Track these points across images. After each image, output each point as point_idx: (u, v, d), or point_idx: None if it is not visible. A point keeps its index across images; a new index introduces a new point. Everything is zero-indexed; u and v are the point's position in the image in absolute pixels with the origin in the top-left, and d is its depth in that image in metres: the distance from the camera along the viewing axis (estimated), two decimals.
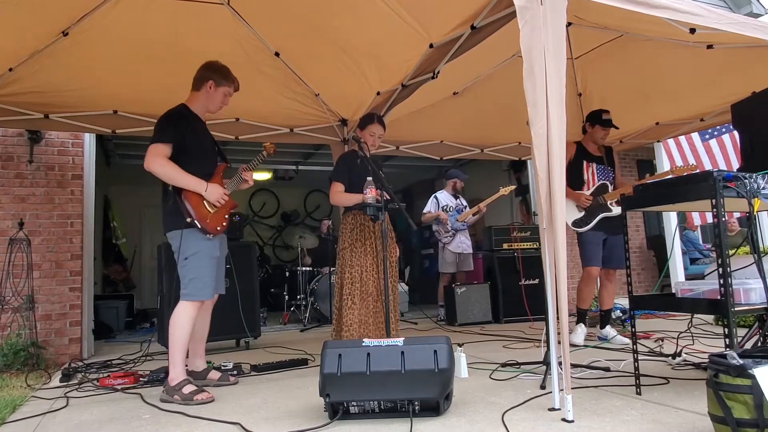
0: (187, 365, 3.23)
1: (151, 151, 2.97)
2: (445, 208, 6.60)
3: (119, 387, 3.31)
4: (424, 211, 6.70)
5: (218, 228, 3.08)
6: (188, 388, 2.87)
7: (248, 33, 3.81)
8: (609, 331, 4.31)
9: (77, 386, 3.41)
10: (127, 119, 4.52)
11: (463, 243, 6.54)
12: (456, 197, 6.74)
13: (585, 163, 4.31)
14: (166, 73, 3.99)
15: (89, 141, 4.98)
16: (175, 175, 2.98)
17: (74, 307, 4.69)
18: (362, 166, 3.60)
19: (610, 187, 4.25)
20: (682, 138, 6.55)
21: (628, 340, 4.01)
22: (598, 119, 4.29)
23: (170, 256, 4.26)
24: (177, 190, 3.02)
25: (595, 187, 4.24)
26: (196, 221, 2.98)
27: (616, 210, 4.11)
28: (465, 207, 6.71)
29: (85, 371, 3.87)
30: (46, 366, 4.18)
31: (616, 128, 4.36)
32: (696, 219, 7.20)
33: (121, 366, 4.09)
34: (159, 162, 2.95)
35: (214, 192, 3.05)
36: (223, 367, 3.47)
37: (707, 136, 6.69)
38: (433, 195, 6.75)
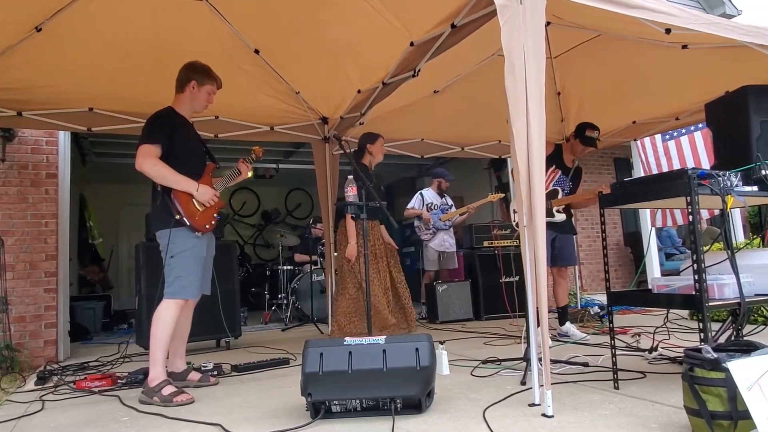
0: (167, 366, 3.19)
1: (141, 152, 2.97)
2: (429, 206, 6.57)
3: (96, 389, 3.26)
4: (408, 206, 6.68)
5: (206, 226, 3.09)
6: (168, 390, 2.83)
7: (227, 30, 3.77)
8: (569, 327, 4.34)
9: (53, 389, 3.35)
10: (103, 117, 4.43)
11: (446, 241, 6.54)
12: (441, 196, 6.71)
13: (553, 166, 4.36)
14: (144, 70, 3.93)
15: (64, 139, 4.88)
16: (167, 175, 2.98)
17: (49, 309, 4.59)
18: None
19: (560, 194, 4.32)
20: (652, 138, 6.63)
21: (584, 334, 4.28)
22: (581, 134, 4.31)
23: (149, 256, 4.23)
24: (166, 189, 3.01)
25: (546, 191, 4.35)
26: (185, 218, 2.98)
27: (559, 217, 4.27)
28: (450, 206, 6.69)
29: (61, 374, 3.80)
30: (21, 369, 4.08)
31: (596, 148, 4.42)
32: (658, 221, 6.95)
33: (99, 368, 4.01)
34: (150, 162, 2.95)
35: (205, 192, 3.07)
36: (203, 368, 3.43)
37: (667, 137, 6.71)
38: (419, 192, 6.73)
